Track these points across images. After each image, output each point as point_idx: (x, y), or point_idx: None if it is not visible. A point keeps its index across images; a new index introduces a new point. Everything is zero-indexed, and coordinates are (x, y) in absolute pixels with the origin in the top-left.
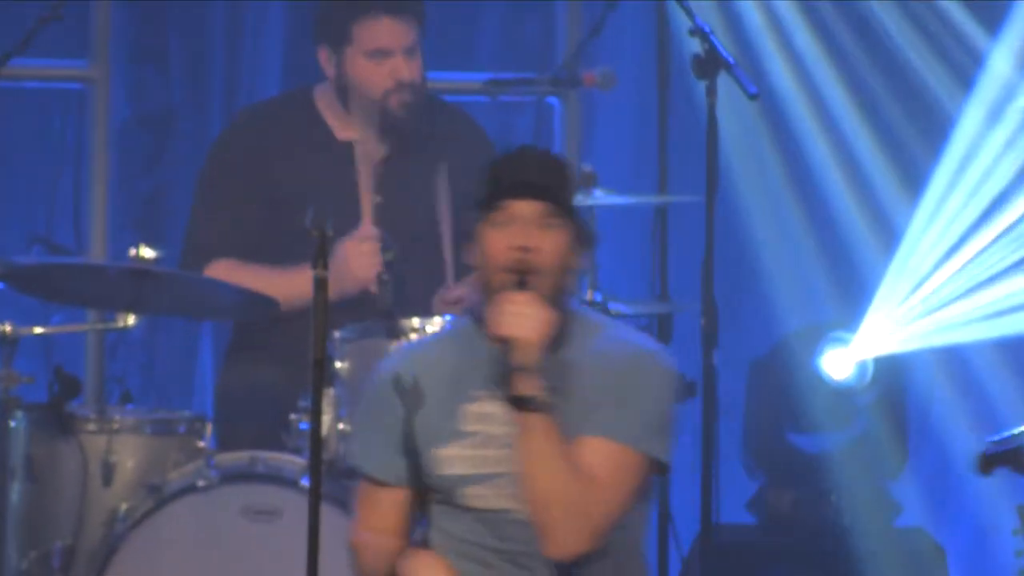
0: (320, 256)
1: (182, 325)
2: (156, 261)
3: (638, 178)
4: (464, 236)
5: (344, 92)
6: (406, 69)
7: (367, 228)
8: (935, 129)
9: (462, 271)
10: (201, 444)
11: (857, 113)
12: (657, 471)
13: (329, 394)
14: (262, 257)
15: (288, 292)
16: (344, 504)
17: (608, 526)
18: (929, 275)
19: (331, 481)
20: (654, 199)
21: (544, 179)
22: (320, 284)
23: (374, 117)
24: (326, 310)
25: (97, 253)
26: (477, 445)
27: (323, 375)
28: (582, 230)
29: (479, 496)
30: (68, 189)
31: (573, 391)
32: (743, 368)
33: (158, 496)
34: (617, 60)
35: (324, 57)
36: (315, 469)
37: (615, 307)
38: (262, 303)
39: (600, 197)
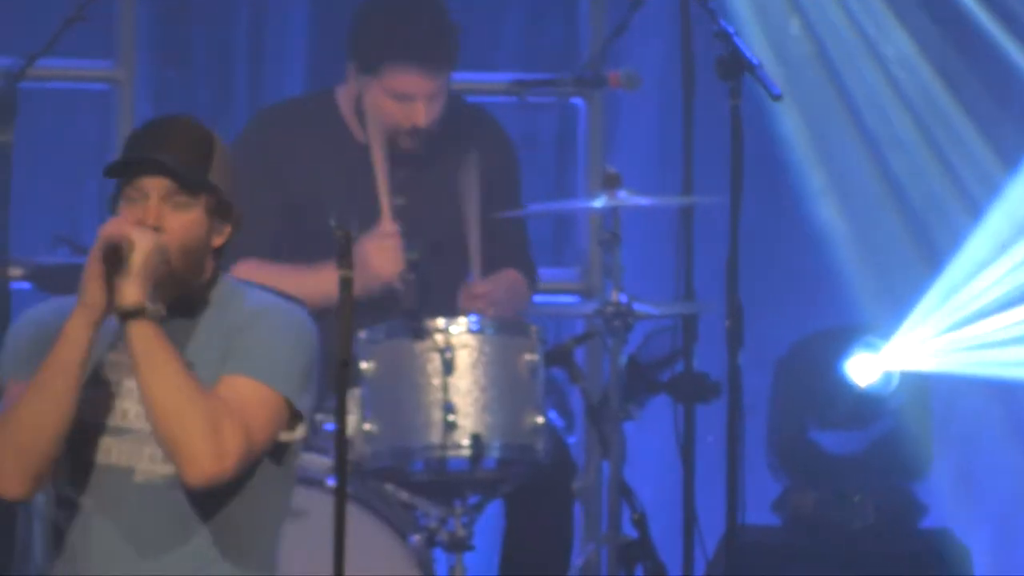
0: (345, 256)
1: None
2: None
3: (662, 179)
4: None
5: (361, 113)
6: (424, 116)
7: (386, 225)
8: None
9: (488, 269)
10: None
11: (906, 114)
12: (292, 418)
13: (354, 395)
14: (283, 257)
15: (313, 291)
16: (369, 504)
17: (242, 452)
18: (976, 299)
19: (357, 482)
20: (679, 200)
21: (173, 155)
22: (345, 285)
23: (382, 142)
24: (352, 311)
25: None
26: (110, 394)
27: (348, 376)
28: (222, 203)
29: (105, 449)
30: (93, 189)
31: (207, 351)
32: (768, 369)
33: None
34: (641, 60)
35: (351, 71)
36: (340, 469)
37: (640, 308)
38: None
39: (624, 198)
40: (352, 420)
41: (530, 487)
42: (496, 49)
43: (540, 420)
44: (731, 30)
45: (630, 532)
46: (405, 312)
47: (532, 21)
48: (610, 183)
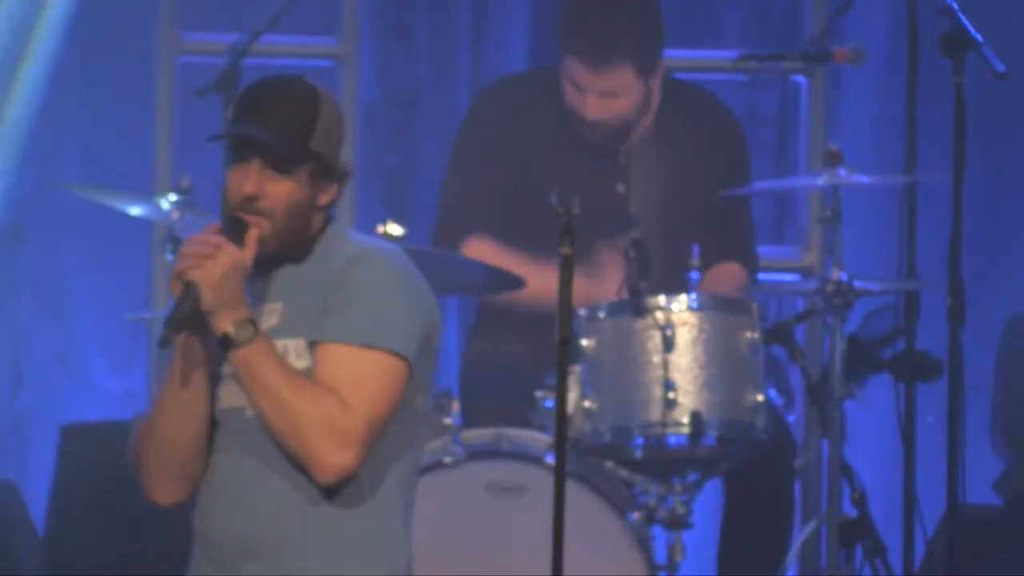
0: (565, 234)
1: None
2: (403, 237)
3: (883, 156)
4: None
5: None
6: (597, 110)
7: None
8: None
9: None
10: (447, 421)
11: None
12: (404, 367)
13: (574, 372)
14: (513, 233)
15: (545, 288)
16: (588, 481)
17: (365, 435)
18: None
19: (576, 459)
20: (901, 178)
21: (268, 132)
22: (566, 263)
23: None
24: (571, 288)
25: (345, 229)
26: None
27: (568, 353)
28: (327, 165)
29: (225, 395)
30: None
31: (308, 302)
32: (991, 347)
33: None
34: (863, 36)
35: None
36: (560, 446)
37: (860, 285)
38: (509, 282)
39: (845, 176)
40: (572, 397)
41: (750, 465)
42: (719, 26)
43: (760, 398)
44: (955, 6)
45: (850, 511)
46: (627, 289)
47: None
48: (831, 160)
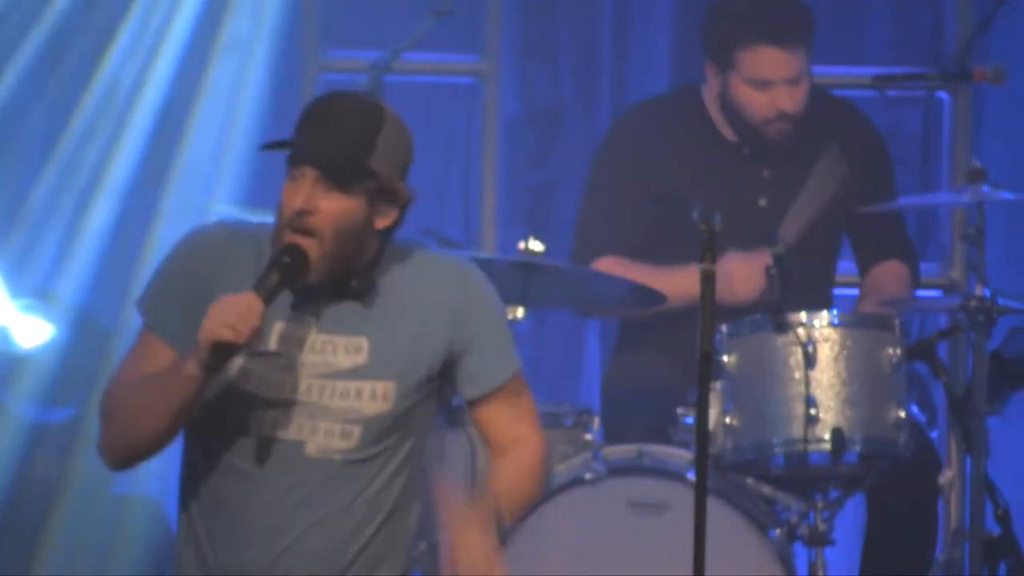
0: (707, 251)
1: (569, 318)
2: (545, 254)
3: None
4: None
5: (727, 109)
6: (789, 100)
7: (763, 253)
8: None
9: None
10: (588, 437)
11: None
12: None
13: (715, 388)
14: (650, 254)
15: (675, 291)
16: (730, 498)
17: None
18: None
19: (717, 475)
20: None
21: (325, 146)
22: (707, 278)
23: (751, 139)
24: (713, 304)
25: (487, 246)
26: (281, 368)
27: (710, 369)
28: (386, 187)
29: (269, 421)
30: (458, 183)
31: (396, 331)
32: None
33: (545, 488)
34: (1009, 54)
35: (710, 71)
36: (701, 463)
37: (1004, 303)
38: (649, 297)
39: (989, 193)
40: (713, 414)
41: (892, 481)
42: (862, 43)
43: (902, 414)
44: None
45: (993, 528)
46: (768, 306)
47: (899, 14)
48: (975, 177)
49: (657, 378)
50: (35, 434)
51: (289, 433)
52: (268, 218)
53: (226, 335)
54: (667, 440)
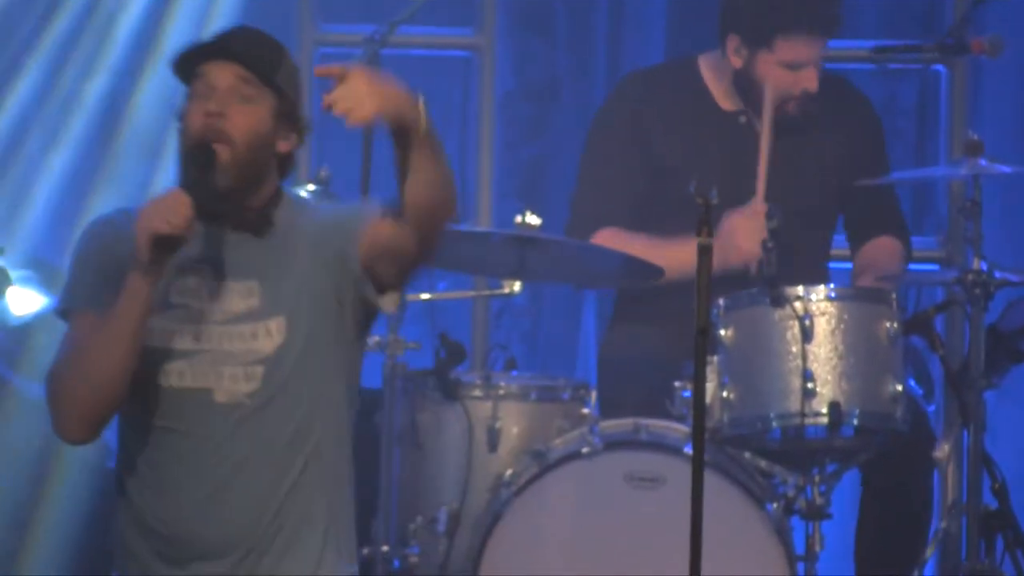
0: (704, 224)
1: (566, 292)
2: (540, 228)
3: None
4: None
5: (743, 81)
6: (813, 80)
7: (758, 204)
8: None
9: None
10: (585, 411)
11: None
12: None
13: (712, 362)
14: (646, 226)
15: (672, 262)
16: (727, 472)
17: None
18: None
19: (714, 449)
20: None
21: (242, 46)
22: (704, 252)
23: (767, 112)
24: (710, 278)
25: (482, 220)
26: (181, 319)
27: (707, 343)
28: (289, 108)
29: (176, 372)
30: (454, 156)
31: (290, 269)
32: None
33: (542, 462)
34: (1004, 26)
35: (732, 46)
36: (698, 436)
37: (1001, 276)
38: (646, 271)
39: (986, 166)
40: (710, 387)
41: (888, 455)
42: (858, 15)
43: (899, 388)
44: None
45: (990, 502)
46: (764, 279)
47: None
48: (971, 150)
49: (653, 351)
50: (37, 409)
51: (197, 382)
52: None
53: (163, 227)
54: (664, 414)
